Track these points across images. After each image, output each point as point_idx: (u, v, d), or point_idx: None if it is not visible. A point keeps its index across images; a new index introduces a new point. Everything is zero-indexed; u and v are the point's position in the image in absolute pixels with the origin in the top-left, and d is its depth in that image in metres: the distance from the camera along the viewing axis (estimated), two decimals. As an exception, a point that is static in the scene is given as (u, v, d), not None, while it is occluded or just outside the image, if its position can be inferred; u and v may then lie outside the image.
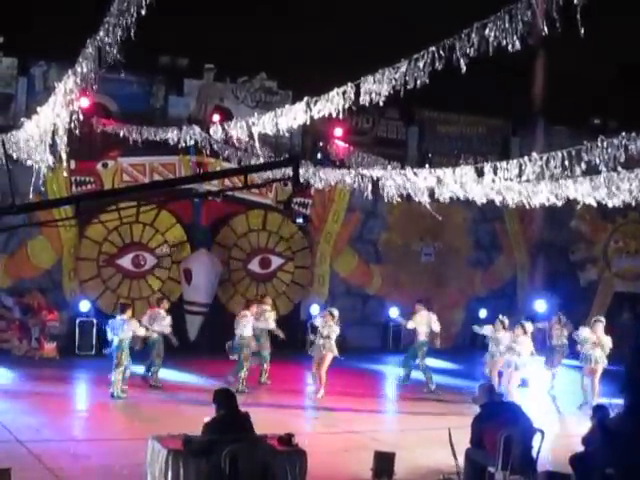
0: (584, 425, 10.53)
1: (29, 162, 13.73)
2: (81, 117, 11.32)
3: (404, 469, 11.05)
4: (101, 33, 9.42)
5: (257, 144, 14.20)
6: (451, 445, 10.37)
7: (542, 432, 9.60)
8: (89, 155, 21.58)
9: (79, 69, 10.35)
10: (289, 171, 9.30)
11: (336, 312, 16.72)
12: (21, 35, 21.21)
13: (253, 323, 16.98)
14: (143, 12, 8.74)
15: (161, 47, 23.48)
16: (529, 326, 16.63)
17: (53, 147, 12.52)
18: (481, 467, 9.70)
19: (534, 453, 9.64)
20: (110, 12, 9.11)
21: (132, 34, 9.04)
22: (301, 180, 15.03)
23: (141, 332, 16.29)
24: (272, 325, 17.63)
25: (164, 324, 16.72)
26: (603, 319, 17.22)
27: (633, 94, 25.05)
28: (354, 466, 11.38)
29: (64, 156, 12.14)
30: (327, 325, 16.47)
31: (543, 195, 12.66)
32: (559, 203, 12.95)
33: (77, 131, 12.10)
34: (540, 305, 24.74)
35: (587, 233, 26.18)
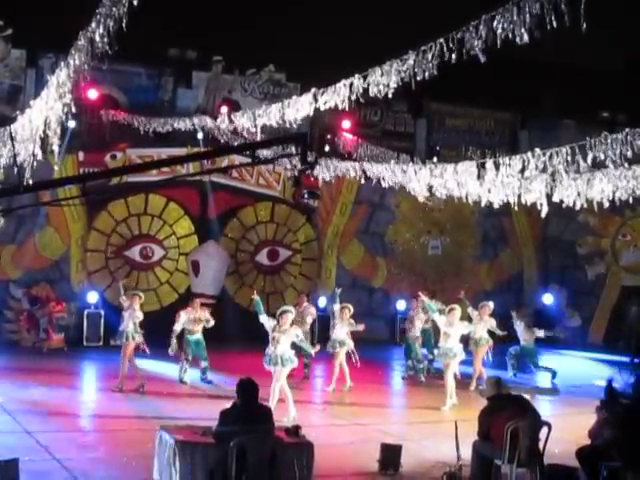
0: (590, 418, 10.52)
1: (19, 158, 13.51)
2: (74, 110, 11.18)
3: (410, 461, 11.07)
4: (93, 24, 9.35)
5: (259, 134, 14.14)
6: (456, 438, 10.38)
7: (549, 425, 9.60)
8: (98, 147, 21.65)
9: (71, 61, 10.30)
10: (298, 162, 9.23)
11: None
12: (30, 27, 21.21)
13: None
14: (135, 2, 8.66)
15: (170, 39, 23.49)
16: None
17: (45, 141, 12.37)
18: (488, 460, 9.70)
19: (541, 446, 9.64)
20: (102, 3, 9.05)
21: (124, 25, 8.95)
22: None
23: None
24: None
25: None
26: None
27: (642, 87, 24.95)
28: (361, 458, 11.39)
29: (56, 149, 11.99)
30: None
31: (534, 194, 12.31)
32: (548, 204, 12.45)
33: (69, 123, 11.93)
34: (547, 298, 24.81)
35: (595, 226, 26.13)
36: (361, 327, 16.80)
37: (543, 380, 18.28)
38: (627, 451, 9.18)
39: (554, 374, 18.24)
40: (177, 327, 16.45)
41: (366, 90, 9.51)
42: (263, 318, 14.02)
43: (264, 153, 15.22)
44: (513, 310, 19.12)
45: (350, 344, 16.78)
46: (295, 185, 8.80)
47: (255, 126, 13.51)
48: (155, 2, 9.00)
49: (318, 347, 16.36)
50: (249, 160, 8.77)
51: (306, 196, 8.99)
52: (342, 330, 16.72)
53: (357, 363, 16.87)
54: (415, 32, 10.40)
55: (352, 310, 16.89)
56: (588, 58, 25.64)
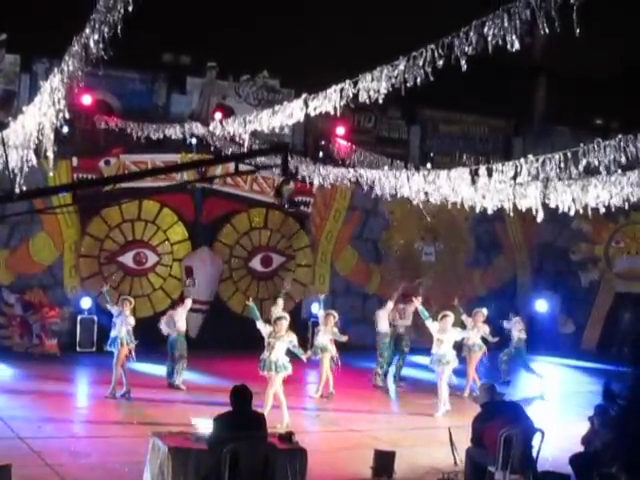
0: (583, 425, 10.53)
1: (12, 164, 13.43)
2: (67, 115, 11.17)
3: (404, 468, 11.07)
4: (87, 30, 9.35)
5: (246, 141, 14.16)
6: (451, 444, 10.38)
7: (542, 432, 9.60)
8: (91, 152, 21.61)
9: (65, 67, 10.29)
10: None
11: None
12: (24, 32, 21.19)
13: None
14: (130, 8, 8.65)
15: (164, 45, 23.49)
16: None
17: (39, 147, 12.32)
18: (481, 466, 9.71)
19: (534, 453, 9.65)
20: (96, 9, 9.05)
21: (118, 31, 8.95)
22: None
23: None
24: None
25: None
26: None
27: (636, 94, 25.04)
28: (354, 464, 11.39)
29: (51, 155, 11.95)
30: None
31: (530, 200, 12.30)
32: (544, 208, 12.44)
33: (64, 129, 11.89)
34: (541, 305, 24.80)
35: (589, 233, 26.16)
36: (344, 338, 16.79)
37: (533, 387, 18.24)
38: (622, 453, 9.18)
39: (542, 379, 18.23)
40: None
41: (356, 96, 9.49)
42: (260, 324, 14.08)
43: (257, 161, 15.23)
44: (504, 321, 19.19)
45: (332, 350, 16.75)
46: (276, 195, 8.83)
47: (245, 132, 13.51)
48: (149, 8, 8.95)
49: (310, 353, 16.36)
50: (240, 170, 8.75)
51: (286, 206, 9.00)
52: (325, 336, 16.72)
53: (338, 368, 16.88)
54: (409, 36, 10.40)
55: (337, 317, 16.89)
56: (582, 65, 25.73)
